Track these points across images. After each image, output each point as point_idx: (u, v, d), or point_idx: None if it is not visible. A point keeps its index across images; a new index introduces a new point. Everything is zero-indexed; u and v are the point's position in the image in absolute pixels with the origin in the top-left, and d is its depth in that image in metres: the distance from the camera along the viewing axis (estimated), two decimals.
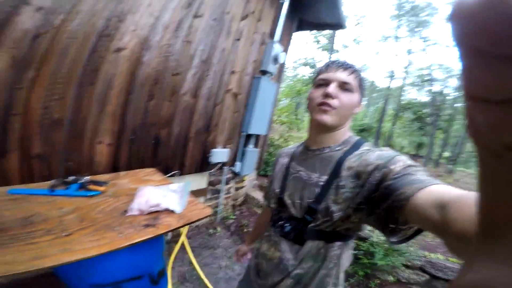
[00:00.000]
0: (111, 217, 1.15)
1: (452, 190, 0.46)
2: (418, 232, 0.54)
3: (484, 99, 0.12)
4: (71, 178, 1.38)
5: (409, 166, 0.61)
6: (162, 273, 1.43)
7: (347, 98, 0.76)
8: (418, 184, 0.52)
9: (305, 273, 0.79)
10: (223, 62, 2.59)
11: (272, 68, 3.17)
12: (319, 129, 0.81)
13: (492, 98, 0.12)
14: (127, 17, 1.70)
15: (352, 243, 0.85)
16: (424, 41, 18.70)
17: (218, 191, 3.15)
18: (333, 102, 0.74)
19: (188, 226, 2.44)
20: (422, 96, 21.01)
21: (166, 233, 1.14)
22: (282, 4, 3.21)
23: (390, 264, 2.39)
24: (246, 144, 3.26)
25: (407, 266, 2.45)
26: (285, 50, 3.69)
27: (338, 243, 0.78)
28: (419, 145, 20.06)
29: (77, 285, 1.23)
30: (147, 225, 1.12)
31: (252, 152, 3.28)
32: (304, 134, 7.28)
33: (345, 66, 0.77)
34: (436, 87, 18.09)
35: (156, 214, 1.21)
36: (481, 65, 0.11)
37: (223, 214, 3.33)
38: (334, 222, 0.73)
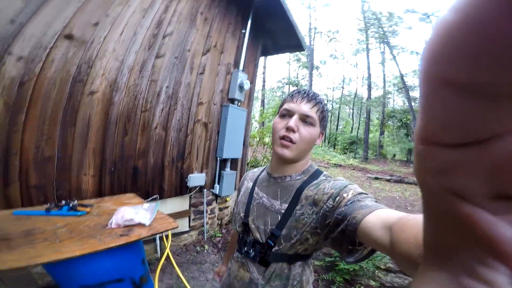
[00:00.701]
0: (94, 230, 1.51)
1: (394, 213, 0.53)
2: (372, 251, 0.60)
3: (438, 142, 0.13)
4: (63, 202, 1.74)
5: (359, 193, 0.70)
6: (145, 280, 1.71)
7: (307, 132, 0.82)
8: (366, 209, 0.60)
9: None
10: (190, 95, 3.01)
11: (239, 95, 3.60)
12: (280, 160, 0.88)
13: (449, 141, 0.12)
14: (96, 63, 2.11)
15: (310, 260, 0.95)
16: (393, 50, 20.14)
17: (201, 212, 3.45)
18: (294, 136, 0.81)
19: (170, 240, 2.79)
20: (404, 103, 22.15)
21: (137, 240, 1.48)
22: (244, 34, 3.68)
23: (353, 267, 2.58)
24: (223, 167, 3.62)
25: (387, 270, 2.61)
26: (252, 77, 4.16)
27: (299, 263, 0.88)
28: (410, 151, 20.77)
29: (69, 286, 1.54)
30: (122, 235, 1.48)
31: (229, 175, 3.61)
32: None
33: (309, 98, 0.83)
34: (413, 93, 19.17)
35: (130, 227, 1.57)
36: (444, 101, 0.11)
37: (210, 232, 3.61)
38: (294, 245, 0.81)
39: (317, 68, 27.96)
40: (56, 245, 1.30)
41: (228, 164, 3.66)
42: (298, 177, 0.89)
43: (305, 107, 0.82)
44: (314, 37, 24.43)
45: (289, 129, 0.81)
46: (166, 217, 1.77)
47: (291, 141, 0.81)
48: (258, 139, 6.74)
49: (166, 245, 2.61)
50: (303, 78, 27.76)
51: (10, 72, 1.69)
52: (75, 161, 2.06)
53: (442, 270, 0.16)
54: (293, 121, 0.80)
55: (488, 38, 0.08)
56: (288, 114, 0.84)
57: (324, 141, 29.06)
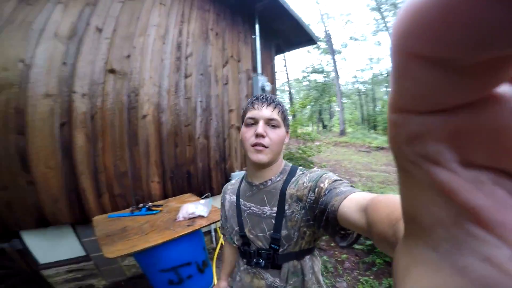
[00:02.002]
0: (167, 223, 1.93)
1: (367, 195, 0.54)
2: (360, 235, 0.60)
3: (408, 110, 0.13)
4: (140, 205, 2.22)
5: (334, 181, 0.73)
6: (206, 264, 2.08)
7: (275, 134, 0.86)
8: (342, 195, 0.62)
9: (295, 287, 0.91)
10: (220, 105, 3.39)
11: None
12: (258, 167, 0.90)
13: (417, 109, 0.13)
14: (140, 91, 2.54)
15: (316, 251, 0.98)
16: None
17: None
18: (265, 141, 0.84)
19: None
20: None
21: (200, 228, 1.86)
22: (254, 39, 3.90)
23: None
24: None
25: None
26: (272, 77, 4.41)
27: (307, 257, 0.91)
28: None
29: (151, 271, 1.96)
30: (188, 225, 1.87)
31: None
32: (318, 144, 7.71)
33: (268, 102, 0.87)
34: None
35: (193, 219, 1.97)
36: (412, 73, 0.11)
37: None
38: (296, 242, 0.85)
39: (339, 52, 27.43)
40: (144, 236, 1.72)
41: None
42: (278, 179, 0.92)
43: (267, 112, 0.85)
44: (328, 22, 24.14)
45: (258, 135, 0.84)
46: (218, 210, 2.11)
47: (263, 146, 0.84)
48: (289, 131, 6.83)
49: (220, 236, 3.04)
50: (328, 64, 27.38)
51: (80, 108, 2.17)
52: (143, 173, 2.55)
53: (429, 248, 0.15)
54: (260, 127, 0.84)
55: (455, 20, 0.09)
56: (254, 122, 0.87)
57: (363, 123, 28.21)
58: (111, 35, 2.39)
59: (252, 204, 0.95)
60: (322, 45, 24.57)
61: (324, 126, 29.09)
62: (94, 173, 2.25)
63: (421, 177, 0.14)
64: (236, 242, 1.03)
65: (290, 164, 0.98)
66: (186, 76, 3.00)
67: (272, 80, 4.43)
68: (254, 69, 3.97)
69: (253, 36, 3.91)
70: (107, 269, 2.54)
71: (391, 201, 0.40)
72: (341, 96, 21.76)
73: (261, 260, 0.91)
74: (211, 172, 3.23)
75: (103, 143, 2.30)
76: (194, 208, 2.03)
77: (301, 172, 0.91)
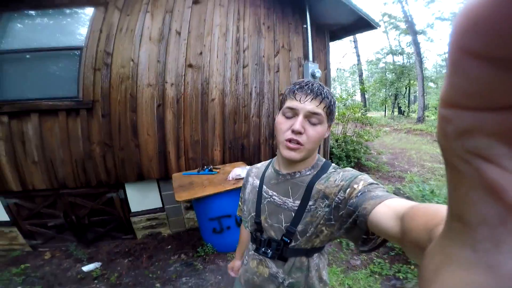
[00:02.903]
0: (221, 181, 2.64)
1: (405, 203, 0.53)
2: (385, 241, 0.59)
3: (460, 105, 0.13)
4: (205, 167, 3.04)
5: (370, 184, 0.69)
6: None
7: (315, 132, 0.77)
8: (377, 199, 0.60)
9: (297, 282, 0.90)
10: (272, 90, 3.90)
11: None
12: (289, 161, 0.85)
13: (469, 105, 0.13)
14: (210, 80, 3.29)
15: (325, 249, 0.97)
16: None
17: None
18: (302, 138, 0.77)
19: None
20: None
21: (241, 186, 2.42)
22: (306, 28, 3.93)
23: None
24: None
25: None
26: (325, 64, 4.61)
27: (316, 254, 0.91)
28: None
29: (203, 218, 2.66)
30: (234, 183, 2.52)
31: None
32: (375, 130, 7.47)
33: (314, 95, 0.75)
34: None
35: (239, 180, 2.61)
36: (467, 69, 0.12)
37: None
38: (310, 238, 0.83)
39: (424, 33, 24.80)
40: (203, 188, 2.45)
41: None
42: (308, 172, 0.87)
43: (311, 106, 0.75)
44: (408, 2, 21.80)
45: (295, 131, 0.76)
46: None
47: (298, 143, 0.77)
48: (347, 115, 6.78)
49: None
50: (408, 46, 25.13)
51: (170, 94, 3.05)
52: (209, 142, 3.37)
53: (467, 246, 0.15)
54: (299, 123, 0.76)
55: (507, 22, 0.09)
56: (292, 114, 0.79)
57: None
58: (187, 36, 3.17)
59: (274, 193, 0.92)
60: (401, 25, 22.69)
61: (401, 112, 27.13)
62: (177, 140, 3.16)
63: (470, 173, 0.14)
64: (249, 227, 1.02)
65: (324, 159, 0.92)
66: (243, 67, 3.61)
67: (325, 67, 4.61)
68: (306, 57, 4.17)
69: (304, 26, 3.97)
70: (173, 220, 3.45)
71: (430, 209, 0.39)
72: (422, 80, 19.98)
73: (269, 250, 0.91)
74: (260, 146, 3.89)
75: (184, 119, 3.18)
76: (241, 171, 2.69)
77: (333, 170, 0.86)
